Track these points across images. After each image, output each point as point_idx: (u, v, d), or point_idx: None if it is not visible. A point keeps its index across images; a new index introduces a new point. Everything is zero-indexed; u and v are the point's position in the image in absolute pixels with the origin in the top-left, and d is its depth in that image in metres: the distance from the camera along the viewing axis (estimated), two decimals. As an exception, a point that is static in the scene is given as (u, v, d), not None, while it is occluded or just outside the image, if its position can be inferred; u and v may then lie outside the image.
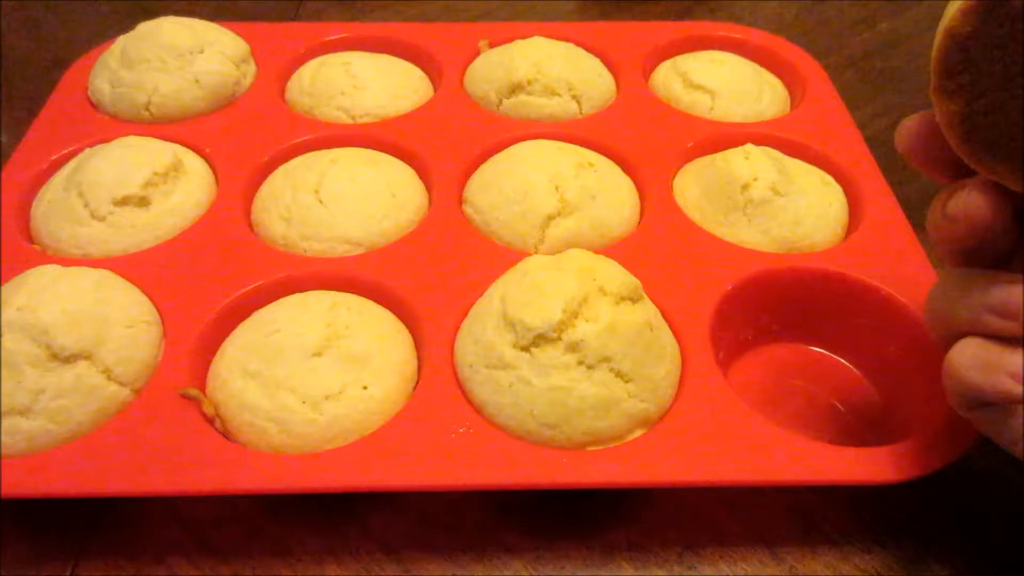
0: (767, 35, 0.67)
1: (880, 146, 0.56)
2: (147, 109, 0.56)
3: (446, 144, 0.54)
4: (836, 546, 0.40)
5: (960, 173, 0.32)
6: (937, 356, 0.41)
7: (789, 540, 0.40)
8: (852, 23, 0.80)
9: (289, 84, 0.61)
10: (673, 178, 0.53)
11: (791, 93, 0.63)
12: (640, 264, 0.44)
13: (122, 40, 0.59)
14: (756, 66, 0.63)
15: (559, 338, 0.38)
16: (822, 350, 0.48)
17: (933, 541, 0.40)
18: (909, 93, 0.71)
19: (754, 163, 0.50)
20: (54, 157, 0.53)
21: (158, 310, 0.44)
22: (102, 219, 0.48)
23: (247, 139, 0.55)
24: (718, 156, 0.52)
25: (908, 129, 0.33)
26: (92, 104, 0.58)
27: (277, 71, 0.62)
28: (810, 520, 0.40)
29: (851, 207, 0.51)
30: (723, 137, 0.55)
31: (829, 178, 0.53)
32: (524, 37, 0.62)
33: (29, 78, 0.70)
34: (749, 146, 0.51)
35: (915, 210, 0.51)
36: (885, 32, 0.79)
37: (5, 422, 0.37)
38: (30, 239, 0.49)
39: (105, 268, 0.45)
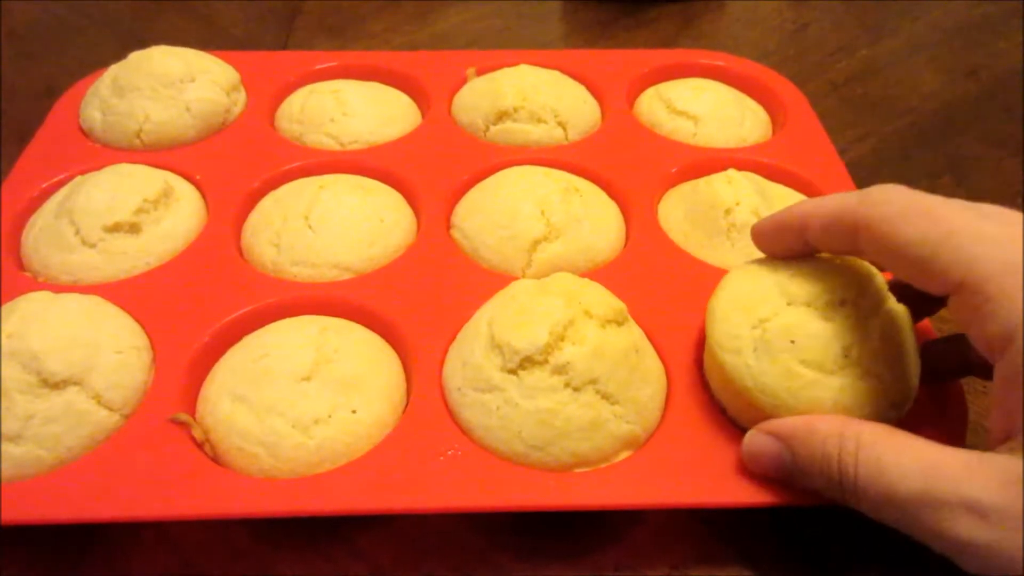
0: (749, 63, 0.68)
1: (860, 171, 0.57)
2: (138, 137, 0.57)
3: (434, 170, 0.55)
4: (823, 566, 0.40)
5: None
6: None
7: (777, 560, 0.40)
8: (832, 51, 0.81)
9: (279, 112, 0.62)
10: (657, 203, 0.54)
11: (773, 119, 0.64)
12: (625, 287, 0.44)
13: (114, 69, 0.60)
14: (738, 93, 0.65)
15: (546, 361, 0.38)
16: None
17: (926, 563, 0.40)
18: (888, 118, 0.72)
19: (737, 188, 0.51)
20: (45, 184, 0.53)
21: (148, 336, 0.44)
22: (93, 246, 0.48)
23: (237, 166, 0.55)
24: (701, 181, 0.53)
25: (759, 230, 0.41)
26: (83, 132, 0.58)
27: (267, 99, 0.62)
28: (796, 540, 0.41)
29: (832, 230, 0.52)
30: (706, 162, 0.56)
31: (810, 202, 0.54)
32: (511, 65, 0.63)
33: (20, 106, 0.71)
34: (732, 171, 0.52)
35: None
36: (864, 59, 0.80)
37: (-5, 448, 0.38)
38: (21, 266, 0.49)
39: (96, 294, 0.45)
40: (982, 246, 0.32)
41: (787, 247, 0.40)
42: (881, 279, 0.40)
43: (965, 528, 0.30)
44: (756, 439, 0.37)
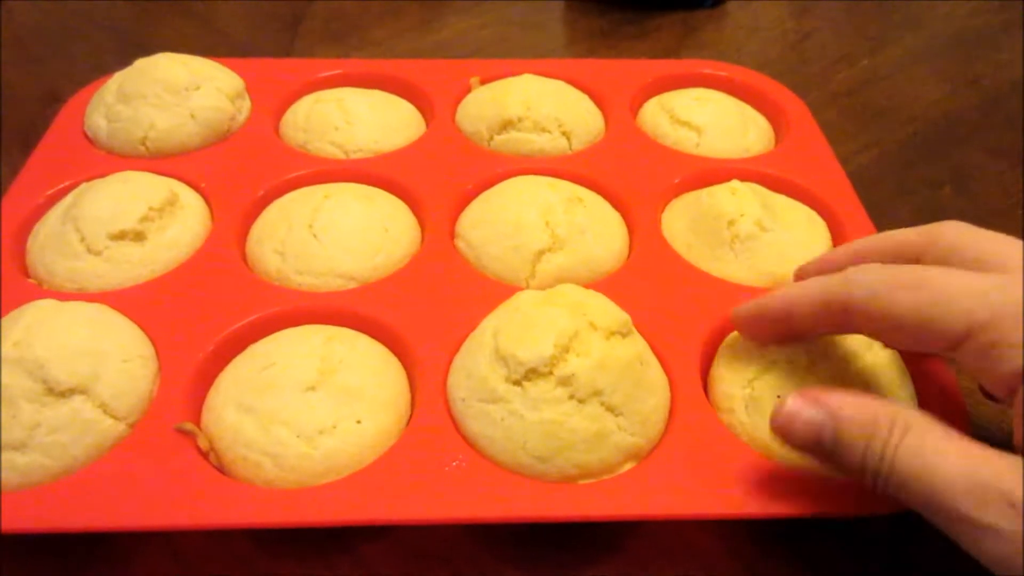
0: (752, 73, 0.68)
1: (861, 181, 0.57)
2: (143, 144, 0.57)
3: (438, 179, 0.55)
4: (824, 577, 0.40)
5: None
6: (918, 387, 0.42)
7: (780, 572, 0.40)
8: (833, 60, 0.82)
9: (284, 120, 0.62)
10: (661, 213, 0.54)
11: (775, 129, 0.64)
12: (629, 298, 0.45)
13: (119, 76, 0.60)
14: (741, 103, 0.65)
15: (551, 372, 0.39)
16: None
17: (924, 573, 0.40)
18: (889, 129, 0.72)
19: (740, 199, 0.51)
20: (50, 191, 0.54)
21: (153, 344, 0.44)
22: (98, 253, 0.48)
23: (242, 174, 0.56)
24: (705, 192, 0.53)
25: (740, 317, 0.42)
26: (88, 139, 0.59)
27: (272, 106, 0.63)
28: (801, 551, 0.41)
29: (834, 242, 0.53)
30: (709, 173, 0.56)
31: (813, 213, 0.54)
32: (515, 74, 0.64)
33: (25, 112, 0.71)
34: (735, 182, 0.52)
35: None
36: (866, 69, 0.81)
37: (2, 457, 0.38)
38: (26, 273, 0.49)
39: (101, 302, 0.45)
40: (974, 298, 0.33)
41: (771, 335, 0.41)
42: None
43: (1004, 520, 0.30)
44: (800, 406, 0.35)
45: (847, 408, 0.35)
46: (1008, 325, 0.32)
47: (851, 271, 0.37)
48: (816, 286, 0.38)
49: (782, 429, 0.36)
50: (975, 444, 0.33)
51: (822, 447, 0.35)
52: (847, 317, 0.37)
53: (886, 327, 0.36)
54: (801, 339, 0.41)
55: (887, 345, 0.41)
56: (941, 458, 0.32)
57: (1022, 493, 0.30)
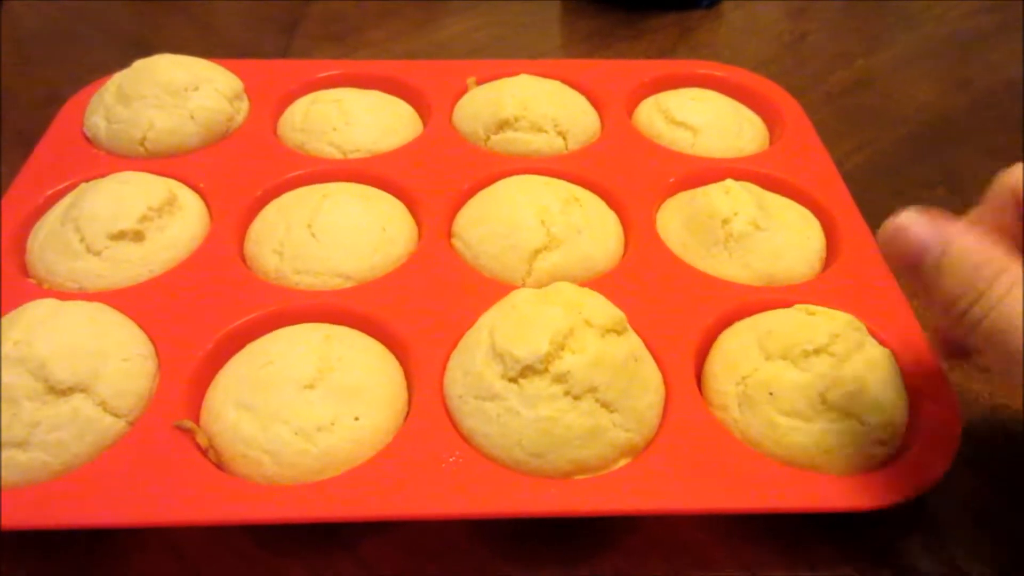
0: (747, 73, 0.69)
1: (856, 181, 0.58)
2: (142, 145, 0.57)
3: (435, 179, 0.56)
4: (820, 573, 0.40)
5: None
6: (911, 383, 0.43)
7: (774, 567, 0.41)
8: (828, 60, 0.82)
9: (282, 120, 0.63)
10: (656, 212, 0.55)
11: (770, 129, 0.65)
12: (625, 297, 0.45)
13: (118, 77, 0.60)
14: (736, 103, 0.65)
15: (546, 370, 0.39)
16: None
17: (914, 568, 0.41)
18: (883, 129, 0.73)
19: (734, 198, 0.51)
20: (50, 191, 0.54)
21: (153, 343, 0.44)
22: (98, 253, 0.48)
23: (241, 174, 0.56)
24: (699, 191, 0.54)
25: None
26: (88, 139, 0.59)
27: (270, 107, 0.63)
28: (795, 546, 0.41)
29: (828, 241, 0.53)
30: (704, 172, 0.57)
31: (807, 213, 0.55)
32: (511, 75, 0.64)
33: (24, 113, 0.71)
34: (729, 181, 0.53)
35: (889, 244, 0.52)
36: (860, 69, 0.81)
37: (3, 455, 0.38)
38: (26, 272, 0.50)
39: (101, 301, 0.45)
40: None
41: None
42: (860, 326, 0.43)
43: None
44: (913, 220, 0.33)
45: (964, 239, 0.32)
46: None
47: None
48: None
49: (888, 239, 0.34)
50: None
51: (923, 268, 0.33)
52: None
53: None
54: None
55: None
56: None
57: None
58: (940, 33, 0.87)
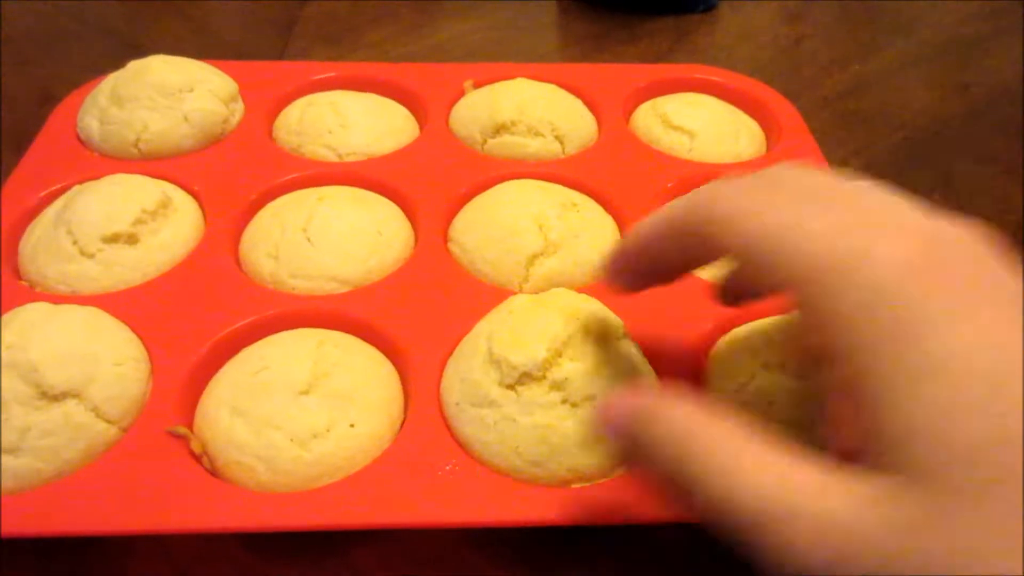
0: (745, 78, 0.69)
1: (853, 187, 0.58)
2: (136, 147, 0.57)
3: (432, 183, 0.55)
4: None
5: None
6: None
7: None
8: (824, 65, 0.82)
9: (277, 122, 0.62)
10: (654, 217, 0.55)
11: (767, 134, 0.65)
12: (622, 303, 0.44)
13: (112, 78, 0.60)
14: (733, 108, 0.65)
15: (544, 377, 0.39)
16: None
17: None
18: (879, 134, 0.73)
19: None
20: (43, 193, 0.53)
21: (146, 347, 0.44)
22: (91, 256, 0.48)
23: (235, 177, 0.56)
24: (697, 196, 0.54)
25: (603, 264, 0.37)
26: (81, 141, 0.58)
27: (265, 109, 0.63)
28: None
29: (825, 247, 0.53)
30: (702, 177, 0.56)
31: (804, 218, 0.54)
32: (508, 78, 0.64)
33: (18, 113, 0.71)
34: (727, 187, 0.53)
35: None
36: (856, 75, 0.81)
37: (-7, 461, 0.38)
38: (19, 275, 0.49)
39: (94, 305, 0.45)
40: (807, 243, 0.27)
41: (634, 271, 0.36)
42: None
43: (804, 543, 0.25)
44: (624, 399, 0.31)
45: (662, 406, 0.29)
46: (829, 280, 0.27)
47: (700, 191, 0.32)
48: (665, 211, 0.33)
49: (597, 425, 0.31)
50: (785, 454, 0.27)
51: (630, 453, 0.31)
52: (686, 242, 0.32)
53: (726, 252, 0.30)
54: (660, 274, 0.36)
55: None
56: (751, 477, 0.27)
57: (832, 505, 0.25)
58: (937, 38, 0.87)
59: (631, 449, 0.30)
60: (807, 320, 0.28)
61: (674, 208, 0.33)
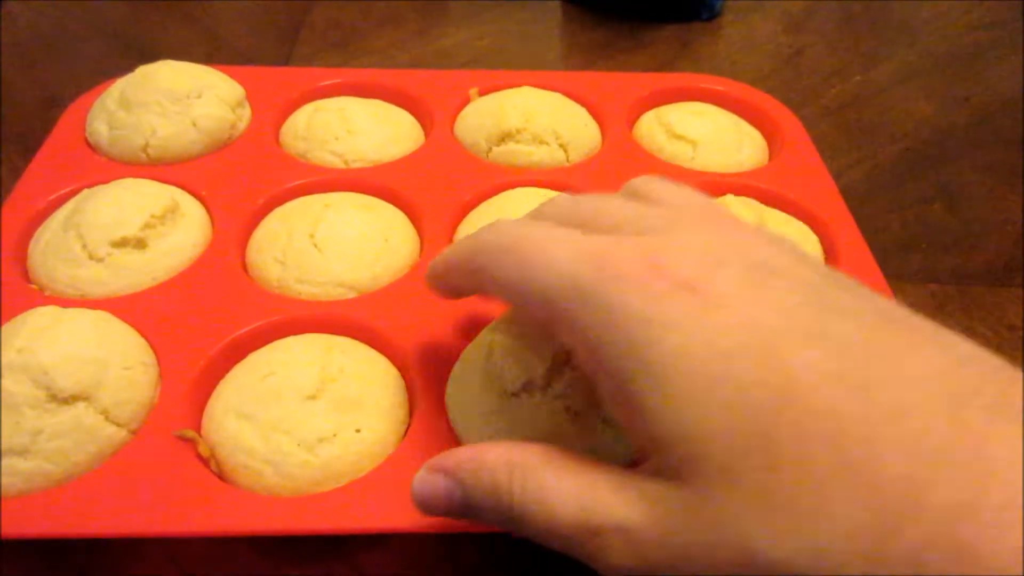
0: (748, 88, 0.69)
1: (853, 196, 0.58)
2: (145, 151, 0.57)
3: (438, 190, 0.56)
4: None
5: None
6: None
7: None
8: (826, 75, 0.83)
9: (284, 128, 0.63)
10: (657, 226, 0.55)
11: (769, 144, 0.65)
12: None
13: (121, 83, 0.60)
14: (736, 117, 0.66)
15: (548, 385, 0.39)
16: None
17: None
18: (881, 144, 0.74)
19: (734, 213, 0.52)
20: (52, 197, 0.54)
21: (155, 351, 0.44)
22: (100, 260, 0.48)
23: (243, 182, 0.56)
24: (700, 206, 0.54)
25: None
26: (90, 145, 0.59)
27: (272, 115, 0.63)
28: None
29: (826, 256, 0.54)
30: (704, 187, 0.56)
31: (806, 228, 0.55)
32: (513, 86, 0.64)
33: (25, 116, 0.72)
34: (729, 196, 0.53)
35: (887, 259, 0.53)
36: (858, 85, 0.82)
37: (4, 462, 0.38)
38: (28, 279, 0.50)
39: (103, 309, 0.45)
40: (547, 274, 0.31)
41: (446, 289, 0.40)
42: None
43: (617, 553, 0.27)
44: (424, 479, 0.33)
45: (464, 464, 0.32)
46: (562, 304, 0.31)
47: (483, 230, 0.35)
48: (461, 244, 0.36)
49: (421, 508, 0.33)
50: (588, 469, 0.29)
51: (461, 511, 0.32)
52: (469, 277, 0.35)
53: (493, 289, 0.34)
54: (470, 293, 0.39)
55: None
56: (559, 500, 0.29)
57: (625, 513, 0.27)
58: (939, 49, 0.88)
59: (460, 504, 0.32)
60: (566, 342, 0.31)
61: (462, 246, 0.36)
